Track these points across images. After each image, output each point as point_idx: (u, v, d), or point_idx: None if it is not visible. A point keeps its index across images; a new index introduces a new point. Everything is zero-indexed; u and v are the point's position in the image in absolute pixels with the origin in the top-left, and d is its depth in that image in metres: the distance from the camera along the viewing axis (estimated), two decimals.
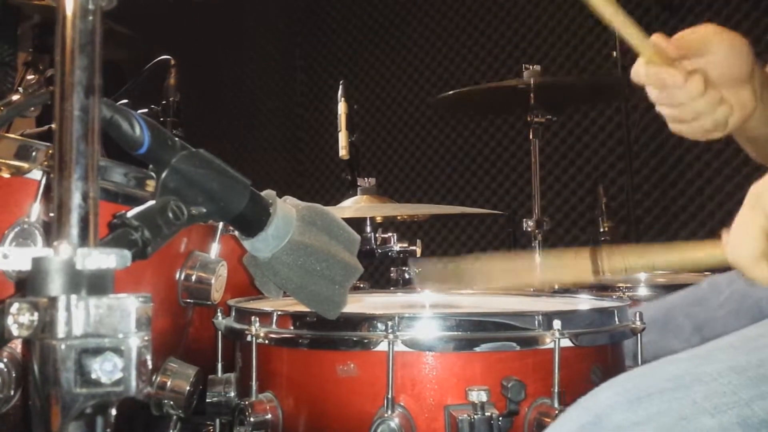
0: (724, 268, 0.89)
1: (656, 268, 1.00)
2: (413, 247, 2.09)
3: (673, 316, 1.39)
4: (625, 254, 0.99)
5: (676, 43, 1.02)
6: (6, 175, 1.08)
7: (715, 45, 1.02)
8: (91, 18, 0.55)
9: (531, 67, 2.41)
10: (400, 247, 2.08)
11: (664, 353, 1.34)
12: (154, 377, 1.19)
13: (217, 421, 1.18)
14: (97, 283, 0.53)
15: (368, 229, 2.08)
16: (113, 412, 0.54)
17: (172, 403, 1.20)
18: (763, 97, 1.05)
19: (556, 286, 1.78)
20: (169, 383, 1.20)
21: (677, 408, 0.73)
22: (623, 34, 1.00)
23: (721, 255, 0.85)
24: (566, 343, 1.01)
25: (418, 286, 1.30)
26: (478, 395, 0.94)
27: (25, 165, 1.07)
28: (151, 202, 0.75)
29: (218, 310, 1.20)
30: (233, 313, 1.18)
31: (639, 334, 1.12)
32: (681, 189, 3.24)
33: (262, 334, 1.07)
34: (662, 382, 0.76)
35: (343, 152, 2.23)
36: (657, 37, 1.01)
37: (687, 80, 0.99)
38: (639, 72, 1.02)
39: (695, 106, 1.01)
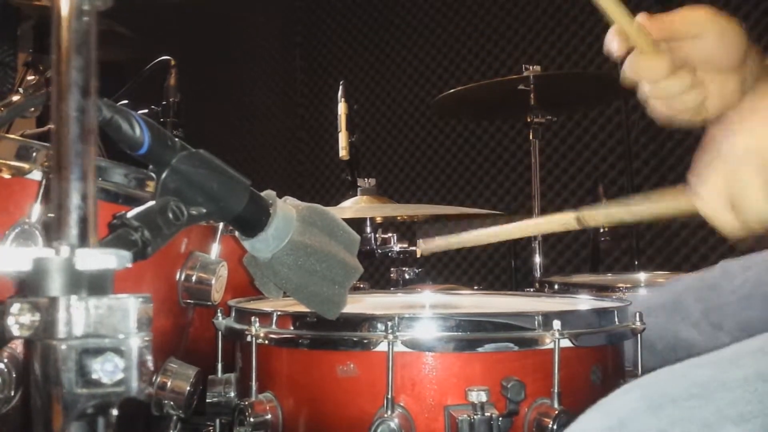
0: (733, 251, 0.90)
1: (631, 215, 1.00)
2: (413, 248, 2.10)
3: (683, 300, 1.37)
4: (602, 207, 1.00)
5: (664, 24, 0.96)
6: (6, 175, 1.08)
7: (706, 31, 0.96)
8: (86, 18, 0.55)
9: (531, 67, 2.41)
10: (400, 248, 2.09)
11: (671, 336, 1.33)
12: (154, 378, 1.19)
13: (217, 421, 1.18)
14: (97, 284, 0.53)
15: (368, 229, 2.09)
16: (114, 412, 0.54)
17: (172, 403, 1.20)
18: (757, 89, 1.00)
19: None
20: (169, 383, 1.20)
21: (701, 415, 0.72)
22: (607, 10, 0.96)
23: (691, 205, 0.86)
24: (566, 343, 1.01)
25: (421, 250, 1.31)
26: (477, 395, 0.94)
27: (26, 166, 1.07)
28: (151, 203, 0.75)
29: (218, 311, 1.20)
30: (233, 314, 1.18)
31: (639, 335, 1.12)
32: (679, 188, 3.23)
33: (262, 335, 1.07)
34: (687, 387, 0.75)
35: (343, 152, 2.23)
36: (643, 18, 0.96)
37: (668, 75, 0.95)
38: (628, 61, 0.98)
39: (664, 87, 0.97)
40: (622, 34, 0.95)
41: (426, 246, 1.29)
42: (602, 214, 1.01)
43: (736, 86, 0.99)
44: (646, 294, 1.59)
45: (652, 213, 1.00)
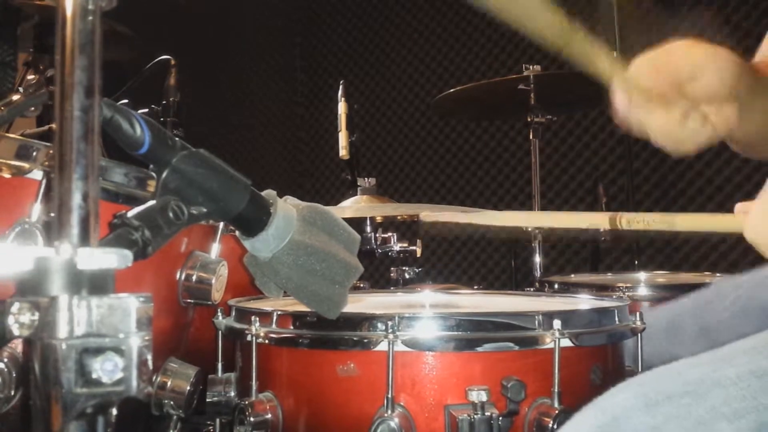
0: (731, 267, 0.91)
1: (675, 227, 0.99)
2: (413, 247, 2.10)
3: (679, 322, 1.38)
4: (646, 215, 1.00)
5: (665, 73, 0.97)
6: (7, 175, 1.08)
7: (705, 69, 0.96)
8: (90, 18, 0.55)
9: (531, 67, 2.41)
10: (400, 247, 2.09)
11: (670, 358, 1.34)
12: (154, 377, 1.19)
13: (217, 421, 1.18)
14: (97, 283, 0.53)
15: (368, 229, 2.09)
16: (114, 411, 0.54)
17: (172, 403, 1.20)
18: (750, 101, 1.01)
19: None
20: (169, 383, 1.20)
21: (695, 413, 0.73)
22: (607, 72, 0.98)
23: (739, 228, 0.86)
24: (566, 342, 1.01)
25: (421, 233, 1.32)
26: (478, 395, 0.94)
27: (26, 165, 1.07)
28: (152, 202, 0.75)
29: (218, 310, 1.20)
30: (233, 313, 1.18)
31: (639, 334, 1.12)
32: (681, 189, 3.24)
33: (262, 334, 1.07)
34: (681, 385, 0.76)
35: (343, 152, 2.23)
36: (644, 69, 0.98)
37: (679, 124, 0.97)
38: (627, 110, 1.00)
39: (677, 135, 0.99)
40: (627, 89, 0.97)
41: (428, 218, 1.27)
42: (639, 220, 1.00)
43: (734, 110, 1.00)
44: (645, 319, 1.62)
45: (693, 226, 0.99)
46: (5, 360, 0.98)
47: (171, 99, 1.93)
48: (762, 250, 0.83)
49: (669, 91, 0.97)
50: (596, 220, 1.11)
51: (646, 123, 0.99)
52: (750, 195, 0.89)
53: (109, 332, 0.52)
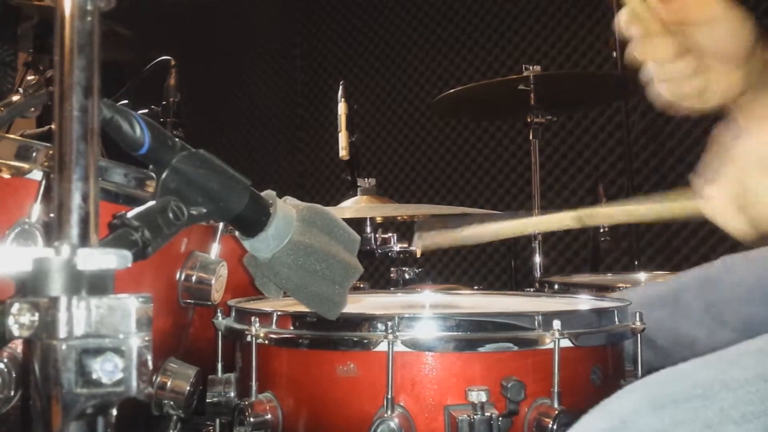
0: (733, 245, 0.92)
1: (633, 216, 1.01)
2: (413, 248, 2.10)
3: (684, 295, 1.36)
4: (602, 207, 1.01)
5: (677, 8, 0.95)
6: (6, 175, 1.08)
7: (717, 19, 0.95)
8: (89, 18, 0.55)
9: (531, 67, 2.41)
10: (400, 248, 2.09)
11: (673, 333, 1.33)
12: (154, 377, 1.19)
13: (217, 421, 1.18)
14: (97, 284, 0.53)
15: (368, 229, 2.09)
16: (114, 412, 0.54)
17: (172, 403, 1.20)
18: (762, 81, 0.99)
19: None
20: (169, 383, 1.20)
21: (703, 416, 0.72)
22: None
23: (696, 207, 0.87)
24: (566, 343, 1.01)
25: (417, 246, 1.34)
26: (477, 395, 0.94)
27: (26, 165, 1.07)
28: (152, 203, 0.75)
29: (218, 311, 1.20)
30: (233, 314, 1.18)
31: (639, 335, 1.12)
32: (681, 189, 3.24)
33: (262, 335, 1.07)
34: (689, 388, 0.75)
35: (343, 152, 2.23)
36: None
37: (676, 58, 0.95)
38: (629, 26, 0.97)
39: (669, 69, 0.97)
40: (634, 15, 0.95)
41: (424, 242, 1.29)
42: (602, 214, 1.02)
43: (739, 79, 0.98)
44: (646, 288, 1.59)
45: (654, 214, 1.00)
46: (5, 360, 0.98)
47: (171, 99, 1.93)
48: (718, 222, 0.84)
49: (674, 23, 0.95)
50: (564, 221, 1.12)
51: (644, 46, 0.97)
52: None
53: (108, 333, 0.52)
